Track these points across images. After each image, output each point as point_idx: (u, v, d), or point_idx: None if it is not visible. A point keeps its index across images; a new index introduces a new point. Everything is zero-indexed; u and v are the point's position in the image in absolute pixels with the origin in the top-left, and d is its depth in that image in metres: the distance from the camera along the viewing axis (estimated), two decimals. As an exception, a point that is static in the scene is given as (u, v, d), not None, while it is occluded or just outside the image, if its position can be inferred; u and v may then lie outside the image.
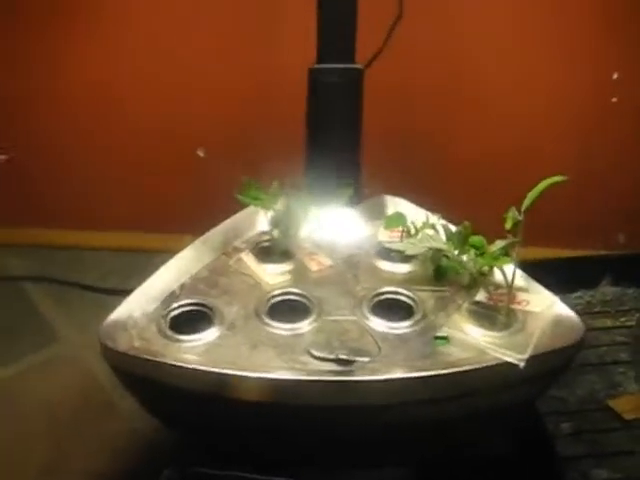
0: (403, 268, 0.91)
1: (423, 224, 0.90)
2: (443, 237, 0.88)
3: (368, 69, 0.98)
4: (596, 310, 1.17)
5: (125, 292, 0.86)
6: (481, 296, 0.85)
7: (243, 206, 0.96)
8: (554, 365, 0.81)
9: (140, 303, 0.85)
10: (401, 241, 0.91)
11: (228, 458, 0.83)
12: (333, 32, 0.93)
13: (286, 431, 0.80)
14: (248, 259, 0.92)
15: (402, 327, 0.83)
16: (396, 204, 0.99)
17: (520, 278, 0.86)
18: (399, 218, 0.92)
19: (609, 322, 1.14)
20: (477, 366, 0.77)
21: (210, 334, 0.82)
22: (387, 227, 0.94)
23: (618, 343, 1.10)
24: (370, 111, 1.01)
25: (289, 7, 1.18)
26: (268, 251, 0.93)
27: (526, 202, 0.78)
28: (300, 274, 0.90)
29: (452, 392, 0.78)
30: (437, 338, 0.81)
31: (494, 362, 0.78)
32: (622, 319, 1.15)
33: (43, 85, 1.29)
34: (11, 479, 1.01)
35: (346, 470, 0.89)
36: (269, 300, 0.86)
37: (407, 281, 0.89)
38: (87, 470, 1.02)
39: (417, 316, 0.84)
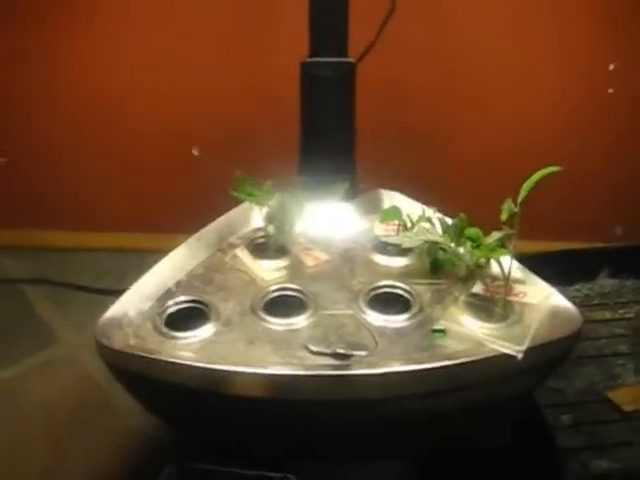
0: (399, 262, 0.91)
1: (419, 217, 0.90)
2: (439, 230, 0.87)
3: (363, 65, 0.98)
4: (595, 302, 1.16)
5: (121, 292, 0.86)
6: (478, 288, 0.85)
7: (237, 204, 0.96)
8: (552, 356, 0.81)
9: (135, 301, 0.85)
10: (397, 235, 0.90)
11: (226, 454, 0.83)
12: (325, 25, 0.93)
13: (283, 426, 0.80)
14: (243, 255, 0.92)
15: (399, 320, 0.83)
16: (392, 198, 0.99)
17: (517, 270, 0.86)
18: (395, 212, 0.92)
19: (608, 314, 1.14)
20: (475, 358, 0.77)
21: (206, 330, 0.82)
22: (383, 221, 0.94)
23: (617, 335, 1.10)
24: (365, 107, 1.00)
25: (285, 6, 1.18)
26: (263, 247, 0.93)
27: (522, 193, 0.78)
28: (296, 269, 0.90)
29: (450, 384, 0.77)
30: (434, 331, 0.81)
31: (492, 354, 0.77)
32: (621, 311, 1.15)
33: (40, 86, 1.29)
34: (12, 480, 1.01)
35: (344, 464, 0.89)
36: (265, 296, 0.86)
37: (404, 274, 0.89)
38: (87, 470, 1.02)
39: (414, 309, 0.84)
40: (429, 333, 0.81)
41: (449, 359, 0.77)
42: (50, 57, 1.27)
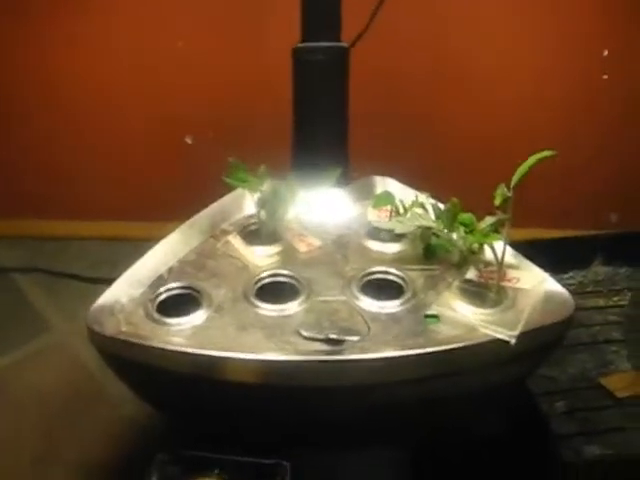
0: (392, 247, 0.90)
1: (412, 203, 0.89)
2: (432, 215, 0.87)
3: (355, 52, 0.97)
4: (588, 290, 1.16)
5: (114, 281, 0.85)
6: (471, 274, 0.84)
7: (230, 190, 0.96)
8: (545, 341, 0.81)
9: (127, 287, 0.85)
10: (390, 220, 0.90)
11: (218, 441, 0.83)
12: (317, 10, 0.92)
13: (276, 412, 0.79)
14: (236, 241, 0.92)
15: (392, 306, 0.82)
16: (385, 184, 0.98)
17: (510, 255, 0.85)
18: (387, 197, 0.92)
19: (601, 302, 1.14)
20: (468, 343, 0.77)
21: (198, 317, 0.81)
22: (376, 206, 0.93)
23: (611, 322, 1.10)
24: (358, 93, 1.00)
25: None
26: (256, 233, 0.93)
27: (515, 178, 0.78)
28: (289, 255, 0.90)
29: (443, 370, 0.77)
30: (427, 316, 0.81)
31: (485, 339, 0.77)
32: (615, 298, 1.15)
33: (29, 76, 1.29)
34: (5, 469, 1.01)
35: (337, 451, 0.89)
36: (257, 282, 0.86)
37: (397, 260, 0.88)
38: (80, 458, 1.02)
39: (407, 295, 0.83)
40: (422, 319, 0.81)
41: (442, 344, 0.77)
42: (37, 44, 1.26)
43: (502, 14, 1.21)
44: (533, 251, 0.87)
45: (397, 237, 0.90)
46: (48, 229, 1.39)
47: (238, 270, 0.88)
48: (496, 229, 0.82)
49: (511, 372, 0.82)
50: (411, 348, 0.76)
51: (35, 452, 1.03)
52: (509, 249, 0.83)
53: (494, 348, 0.77)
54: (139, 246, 0.89)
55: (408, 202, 0.90)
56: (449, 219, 0.85)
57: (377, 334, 0.79)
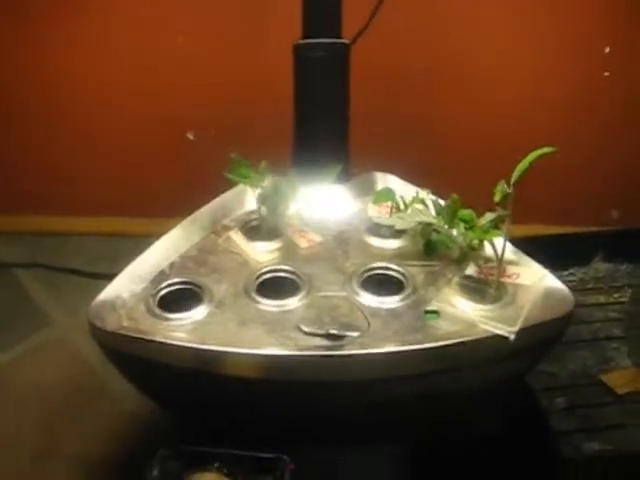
0: (393, 243, 0.90)
1: (412, 199, 0.90)
2: (433, 211, 0.87)
3: (355, 50, 0.97)
4: (589, 287, 1.16)
5: (114, 276, 0.86)
6: (471, 270, 0.85)
7: (231, 186, 0.96)
8: (545, 337, 0.81)
9: (128, 283, 0.85)
10: (390, 216, 0.90)
11: (219, 436, 0.83)
12: (318, 7, 0.92)
13: (276, 407, 0.80)
14: (237, 237, 0.92)
15: (392, 302, 0.83)
16: (386, 180, 0.98)
17: (510, 252, 0.85)
18: (388, 193, 0.92)
19: (602, 298, 1.14)
20: (468, 339, 0.77)
21: (199, 312, 0.82)
22: (376, 202, 0.93)
23: (611, 319, 1.10)
24: (359, 90, 1.00)
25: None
26: (257, 229, 0.93)
27: (515, 174, 0.78)
28: (289, 251, 0.90)
29: (443, 365, 0.77)
30: (427, 312, 0.81)
31: (485, 335, 0.78)
32: (615, 295, 1.15)
33: (29, 76, 1.29)
34: (5, 464, 1.01)
35: (337, 447, 0.89)
36: (258, 277, 0.86)
37: (397, 256, 0.89)
38: (81, 454, 1.02)
39: (407, 291, 0.84)
40: (422, 314, 0.81)
41: (442, 340, 0.77)
42: (37, 41, 1.26)
43: (502, 14, 1.21)
44: (533, 247, 0.87)
45: (397, 233, 0.90)
46: (48, 225, 1.39)
47: (239, 265, 0.88)
48: (496, 225, 0.83)
49: (511, 368, 0.82)
50: (411, 344, 0.76)
51: (36, 447, 1.03)
52: (509, 245, 0.84)
53: (494, 344, 0.77)
54: (140, 242, 0.89)
55: (408, 198, 0.90)
56: (449, 215, 0.85)
57: (377, 330, 0.79)
